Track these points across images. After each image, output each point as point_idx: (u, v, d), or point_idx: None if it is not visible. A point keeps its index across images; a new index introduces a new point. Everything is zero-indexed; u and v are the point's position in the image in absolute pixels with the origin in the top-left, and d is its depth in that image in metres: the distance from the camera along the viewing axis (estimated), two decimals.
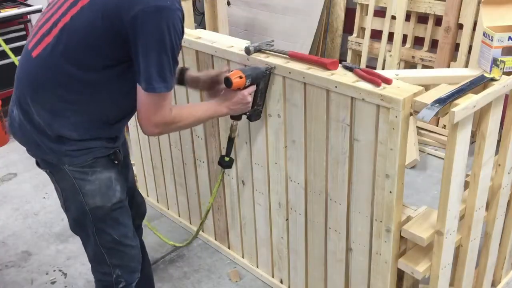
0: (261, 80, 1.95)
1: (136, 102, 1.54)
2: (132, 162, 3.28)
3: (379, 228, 1.81)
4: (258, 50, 2.02)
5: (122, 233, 1.74)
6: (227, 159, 2.17)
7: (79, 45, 1.51)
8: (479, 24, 3.17)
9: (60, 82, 1.53)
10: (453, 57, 3.53)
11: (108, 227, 1.70)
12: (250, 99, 1.90)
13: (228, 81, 1.82)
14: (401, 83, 1.68)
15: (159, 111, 1.53)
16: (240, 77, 1.83)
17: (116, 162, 1.68)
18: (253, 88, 1.92)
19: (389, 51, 3.75)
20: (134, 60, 1.49)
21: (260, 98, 2.01)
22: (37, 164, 1.72)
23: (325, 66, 1.82)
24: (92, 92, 1.55)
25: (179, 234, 2.85)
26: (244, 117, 2.02)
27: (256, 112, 2.04)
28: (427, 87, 1.69)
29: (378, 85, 1.66)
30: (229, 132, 2.10)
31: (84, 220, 1.67)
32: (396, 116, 1.60)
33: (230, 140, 2.12)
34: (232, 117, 2.00)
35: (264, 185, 2.24)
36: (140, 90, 1.51)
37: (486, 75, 1.77)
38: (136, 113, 1.58)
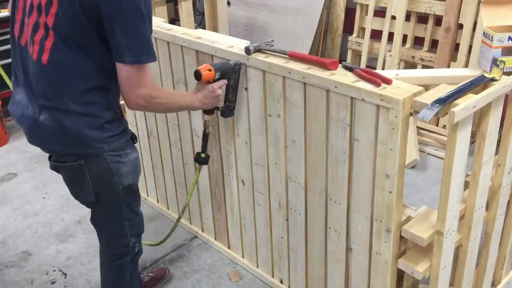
0: (231, 75, 2.01)
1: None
2: None
3: (379, 228, 1.81)
4: (258, 50, 2.02)
5: (138, 204, 1.96)
6: (203, 155, 2.22)
7: (75, 38, 1.58)
8: (479, 24, 3.17)
9: (78, 73, 1.61)
10: (453, 57, 3.53)
11: (133, 201, 1.90)
12: (220, 92, 1.96)
13: (197, 74, 1.89)
14: (401, 83, 1.68)
15: (144, 83, 1.60)
16: (209, 70, 1.90)
17: (135, 141, 1.87)
18: (223, 82, 1.98)
19: (389, 51, 3.75)
20: (111, 37, 1.54)
21: (232, 94, 2.07)
22: (54, 164, 1.79)
23: (325, 66, 1.82)
24: (102, 72, 1.63)
25: (179, 234, 2.85)
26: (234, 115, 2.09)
27: (229, 108, 2.10)
28: (427, 87, 1.69)
29: (378, 85, 1.66)
30: (203, 128, 2.15)
31: (116, 200, 1.83)
32: (396, 116, 1.60)
33: (205, 136, 2.17)
34: (205, 112, 2.07)
35: (264, 185, 2.24)
36: (122, 67, 1.56)
37: (486, 75, 1.77)
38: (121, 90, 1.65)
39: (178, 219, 2.48)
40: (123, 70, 1.58)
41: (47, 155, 1.84)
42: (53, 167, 1.85)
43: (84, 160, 1.71)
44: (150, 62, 1.59)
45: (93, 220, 1.97)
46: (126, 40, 1.53)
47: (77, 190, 1.83)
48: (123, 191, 1.82)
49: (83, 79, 1.62)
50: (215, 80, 1.94)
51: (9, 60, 3.80)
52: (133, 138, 1.86)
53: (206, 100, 1.93)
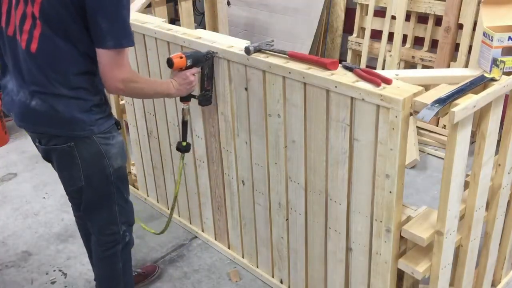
0: (203, 63, 2.11)
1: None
2: (132, 162, 3.30)
3: (379, 228, 1.81)
4: (258, 50, 2.02)
5: (127, 190, 2.02)
6: (184, 143, 2.29)
7: (61, 26, 1.66)
8: (479, 24, 3.17)
9: (67, 60, 1.69)
10: (453, 57, 3.53)
11: (122, 185, 1.97)
12: (193, 78, 2.05)
13: (169, 62, 2.00)
14: (401, 83, 1.68)
15: (123, 67, 1.69)
16: (181, 57, 2.00)
17: (119, 127, 1.92)
18: (196, 69, 2.07)
19: (389, 51, 3.75)
20: (93, 23, 1.63)
21: (207, 83, 2.18)
22: (45, 149, 1.84)
23: (325, 66, 1.82)
24: (89, 58, 1.72)
25: (179, 234, 2.85)
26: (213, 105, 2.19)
27: (205, 97, 2.21)
28: (427, 87, 1.69)
29: (378, 85, 1.66)
30: (182, 116, 2.22)
31: (107, 183, 1.89)
32: (396, 116, 1.60)
33: (184, 124, 2.24)
34: (182, 100, 2.16)
35: (264, 185, 2.24)
36: (103, 51, 1.65)
37: (486, 75, 1.77)
38: (101, 75, 1.72)
39: (172, 210, 2.49)
40: (104, 55, 1.66)
41: None
42: (45, 153, 1.89)
43: (74, 143, 1.78)
44: (130, 46, 1.70)
45: (85, 208, 1.98)
46: (108, 26, 1.62)
47: (68, 175, 1.88)
48: (114, 174, 1.88)
49: (71, 65, 1.70)
50: (187, 67, 2.03)
51: None
52: (117, 124, 1.90)
53: (181, 87, 2.02)
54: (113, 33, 1.63)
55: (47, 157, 1.92)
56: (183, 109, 2.20)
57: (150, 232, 2.71)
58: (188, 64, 2.02)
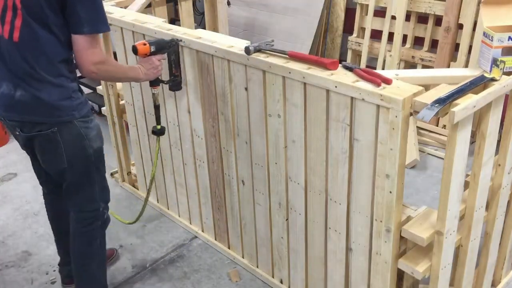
0: (168, 49, 2.25)
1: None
2: (132, 162, 3.30)
3: (379, 228, 1.81)
4: (258, 50, 2.02)
5: (104, 170, 2.15)
6: (158, 127, 2.43)
7: (41, 16, 1.77)
8: (479, 24, 3.17)
9: (48, 48, 1.81)
10: (453, 57, 3.53)
11: (101, 165, 2.11)
12: (158, 63, 2.19)
13: (134, 48, 2.13)
14: (401, 83, 1.68)
15: (96, 51, 1.81)
16: (144, 44, 2.14)
17: (93, 112, 1.98)
18: (161, 56, 2.21)
19: (389, 51, 3.75)
20: (72, 12, 1.75)
21: (175, 69, 2.34)
22: (28, 136, 1.94)
23: (325, 66, 1.82)
24: (67, 46, 1.84)
25: (179, 234, 2.85)
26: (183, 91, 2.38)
27: (174, 82, 2.37)
28: (427, 87, 1.69)
29: (378, 85, 1.66)
30: (153, 101, 2.35)
31: (88, 163, 2.03)
32: (396, 116, 1.60)
33: (156, 108, 2.38)
34: (151, 85, 2.29)
35: (264, 185, 2.24)
36: (80, 37, 1.78)
37: (486, 75, 1.77)
38: (76, 60, 1.85)
39: (148, 193, 2.56)
40: (80, 40, 1.78)
41: None
42: (27, 140, 1.98)
43: (57, 128, 1.90)
44: (106, 31, 1.85)
45: (67, 189, 2.09)
46: (86, 13, 1.76)
47: (51, 158, 1.99)
48: (94, 154, 2.02)
49: (53, 53, 1.82)
50: (152, 53, 2.16)
51: None
52: (92, 108, 2.06)
53: (148, 71, 2.15)
54: (90, 20, 1.77)
55: (28, 144, 2.01)
56: (153, 94, 2.33)
57: (121, 221, 2.81)
58: (152, 50, 2.15)
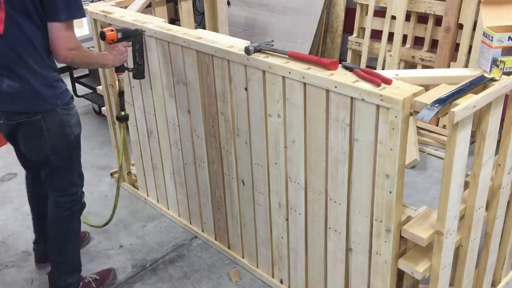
0: (133, 38, 2.40)
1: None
2: (132, 162, 3.30)
3: (379, 228, 1.81)
4: (258, 50, 2.02)
5: (80, 157, 2.26)
6: (122, 113, 2.54)
7: (23, 8, 1.85)
8: (479, 24, 3.17)
9: (33, 39, 1.89)
10: (453, 57, 3.53)
11: (79, 151, 2.22)
12: (124, 49, 2.31)
13: (102, 34, 2.24)
14: (401, 83, 1.68)
15: (71, 37, 1.92)
16: (112, 30, 2.25)
17: (72, 100, 2.16)
18: (127, 43, 2.34)
19: (389, 51, 3.75)
20: (49, 2, 1.84)
21: (139, 58, 2.49)
22: (12, 124, 2.03)
23: (325, 66, 1.82)
24: (47, 36, 1.92)
25: (179, 234, 2.85)
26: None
27: (138, 70, 2.52)
28: (427, 87, 1.69)
29: (378, 85, 1.66)
30: (118, 87, 2.48)
31: (69, 148, 2.14)
32: (396, 116, 1.60)
33: (120, 94, 2.49)
34: (116, 71, 2.40)
35: (264, 185, 2.24)
36: (56, 25, 1.87)
37: (486, 75, 1.77)
38: (52, 47, 1.93)
39: (118, 181, 2.62)
40: (57, 27, 1.87)
41: None
42: (11, 129, 2.06)
43: (42, 115, 2.00)
44: (82, 17, 1.95)
45: (49, 174, 2.18)
46: (62, 2, 1.85)
47: (35, 145, 2.07)
48: (75, 140, 2.14)
49: (37, 44, 1.91)
50: (118, 40, 2.27)
51: None
52: (72, 98, 2.16)
53: (115, 57, 2.27)
54: (66, 7, 1.86)
55: (13, 132, 2.08)
56: (118, 80, 2.46)
57: (93, 226, 2.82)
58: (119, 36, 2.27)
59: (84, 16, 1.98)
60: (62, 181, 2.20)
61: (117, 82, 2.50)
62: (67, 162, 2.17)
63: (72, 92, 4.22)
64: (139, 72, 2.52)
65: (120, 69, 2.38)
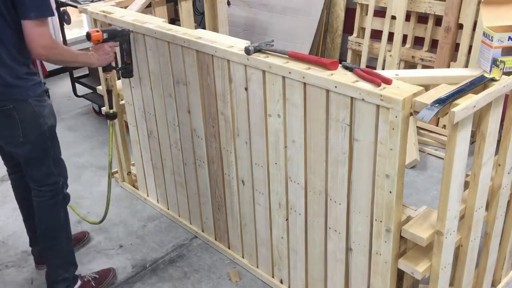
0: (120, 38, 2.44)
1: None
2: (132, 162, 3.30)
3: (379, 228, 1.82)
4: (258, 50, 2.02)
5: (59, 148, 2.31)
6: (111, 111, 2.69)
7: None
8: (479, 24, 3.17)
9: (3, 35, 1.99)
10: (453, 57, 3.53)
11: (55, 142, 2.26)
12: (109, 49, 2.37)
13: (88, 35, 2.31)
14: (401, 83, 1.68)
15: (44, 34, 1.99)
16: (97, 31, 2.32)
17: (47, 93, 2.26)
18: (113, 43, 2.40)
19: (389, 51, 3.75)
20: (18, 1, 1.92)
21: (127, 58, 2.55)
22: None
23: (325, 66, 1.82)
24: (18, 32, 1.99)
25: (179, 234, 2.85)
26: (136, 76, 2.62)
27: (126, 70, 2.60)
28: (427, 87, 1.69)
29: (378, 85, 1.66)
30: (105, 86, 2.58)
31: (44, 139, 2.19)
32: (396, 116, 1.60)
33: (109, 93, 2.61)
34: (104, 70, 2.48)
35: (264, 185, 2.24)
36: (28, 22, 1.95)
37: (486, 75, 1.77)
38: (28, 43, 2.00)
39: (109, 176, 2.70)
40: (28, 25, 1.95)
41: None
42: None
43: (13, 105, 2.06)
44: (50, 16, 2.00)
45: (25, 163, 2.23)
46: (30, 1, 1.93)
47: (9, 133, 2.13)
48: (48, 131, 2.19)
49: (5, 41, 1.99)
50: (104, 40, 2.33)
51: None
52: (46, 91, 2.25)
53: (100, 57, 2.34)
54: (35, 6, 1.94)
55: None
56: (106, 79, 2.54)
57: (89, 222, 2.88)
58: (105, 37, 2.33)
59: (53, 15, 2.05)
60: (39, 171, 2.24)
61: (104, 80, 2.58)
62: (42, 153, 2.21)
63: (72, 92, 4.31)
64: (127, 71, 2.60)
65: (107, 68, 2.45)
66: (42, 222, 2.32)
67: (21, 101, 2.08)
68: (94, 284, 2.45)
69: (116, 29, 2.43)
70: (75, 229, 2.93)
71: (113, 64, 2.46)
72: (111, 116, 2.66)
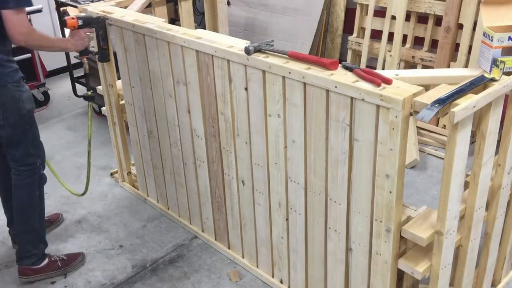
0: (96, 25, 2.62)
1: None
2: (132, 162, 3.30)
3: (379, 228, 1.82)
4: (258, 50, 2.02)
5: (37, 131, 2.46)
6: (89, 93, 2.80)
7: None
8: (479, 24, 3.17)
9: None
10: (453, 57, 3.53)
11: (33, 125, 2.42)
12: (84, 35, 2.52)
13: (64, 22, 2.46)
14: (401, 83, 1.68)
15: (23, 22, 2.15)
16: (73, 18, 2.47)
17: (25, 80, 2.40)
18: (89, 29, 2.55)
19: (389, 51, 3.75)
20: None
21: (103, 43, 2.74)
22: None
23: (325, 66, 1.82)
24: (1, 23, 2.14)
25: (179, 234, 2.85)
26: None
27: (103, 54, 2.78)
28: (427, 87, 1.69)
29: (378, 85, 1.66)
30: (83, 69, 2.74)
31: (23, 122, 2.34)
32: (396, 116, 1.60)
33: (86, 76, 2.78)
34: (81, 54, 2.63)
35: (264, 185, 2.24)
36: (7, 12, 2.10)
37: (486, 75, 1.77)
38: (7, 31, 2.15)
39: (89, 154, 2.86)
40: (7, 14, 2.11)
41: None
42: None
43: None
44: (28, 6, 2.17)
45: (6, 144, 2.38)
46: None
47: None
48: (27, 114, 2.34)
49: None
50: (80, 27, 2.49)
51: None
52: (23, 78, 2.36)
53: (77, 42, 2.49)
54: None
55: None
56: (83, 63, 2.70)
57: (71, 192, 3.04)
58: (80, 23, 2.49)
59: (31, 5, 2.21)
60: (18, 151, 2.39)
61: (84, 64, 2.72)
62: (21, 134, 2.36)
63: (72, 92, 4.31)
64: (103, 55, 2.78)
65: (83, 52, 2.61)
66: (17, 199, 2.47)
67: (1, 86, 2.23)
68: (60, 265, 2.59)
69: (91, 16, 2.60)
70: (75, 228, 2.94)
71: (89, 48, 2.61)
72: (89, 98, 2.79)
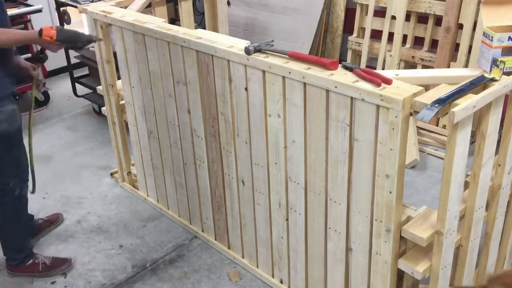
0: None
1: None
2: (132, 162, 3.30)
3: (379, 228, 1.82)
4: (258, 50, 2.02)
5: (19, 151, 2.38)
6: (41, 55, 2.62)
7: None
8: (479, 24, 3.17)
9: None
10: (453, 57, 3.53)
11: (10, 147, 2.31)
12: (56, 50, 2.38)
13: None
14: (401, 83, 1.68)
15: None
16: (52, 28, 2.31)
17: (17, 98, 2.32)
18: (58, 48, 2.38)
19: (389, 51, 3.75)
20: None
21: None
22: None
23: (325, 66, 1.82)
24: None
25: (179, 234, 2.85)
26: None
27: (41, 58, 2.58)
28: (427, 87, 1.69)
29: (378, 85, 1.66)
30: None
31: None
32: (396, 116, 1.60)
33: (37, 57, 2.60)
34: (40, 61, 2.57)
35: (264, 185, 2.24)
36: None
37: (486, 75, 1.77)
38: None
39: (30, 137, 2.64)
40: None
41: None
42: None
43: None
44: None
45: None
46: None
47: None
48: (2, 136, 2.23)
49: None
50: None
51: None
52: (14, 95, 2.30)
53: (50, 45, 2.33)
54: None
55: None
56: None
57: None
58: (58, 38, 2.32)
59: None
60: None
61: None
62: None
63: (72, 92, 4.30)
64: (41, 59, 2.62)
65: (42, 59, 2.57)
66: None
67: None
68: (40, 269, 2.58)
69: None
70: (75, 228, 2.94)
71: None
72: (40, 59, 2.62)
